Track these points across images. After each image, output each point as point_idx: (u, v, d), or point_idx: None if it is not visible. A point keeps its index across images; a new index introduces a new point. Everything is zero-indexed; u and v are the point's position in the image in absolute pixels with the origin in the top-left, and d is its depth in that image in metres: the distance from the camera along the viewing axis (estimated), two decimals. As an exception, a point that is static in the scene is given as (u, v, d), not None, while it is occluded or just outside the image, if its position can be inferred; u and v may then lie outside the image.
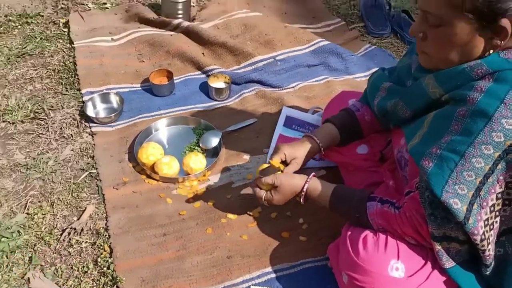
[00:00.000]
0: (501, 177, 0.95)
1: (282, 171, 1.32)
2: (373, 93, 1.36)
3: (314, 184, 1.27)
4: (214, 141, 1.69)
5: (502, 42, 0.96)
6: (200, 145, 1.70)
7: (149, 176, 1.60)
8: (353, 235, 1.16)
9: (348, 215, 1.23)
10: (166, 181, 1.58)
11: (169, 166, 1.56)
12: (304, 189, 1.26)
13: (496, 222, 1.01)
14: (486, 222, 0.99)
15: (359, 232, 1.16)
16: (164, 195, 1.54)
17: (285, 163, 1.36)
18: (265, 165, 1.34)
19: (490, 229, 1.00)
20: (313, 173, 1.30)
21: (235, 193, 1.56)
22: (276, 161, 1.33)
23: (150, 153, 1.59)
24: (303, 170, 1.60)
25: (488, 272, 1.07)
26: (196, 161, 1.58)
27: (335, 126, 1.41)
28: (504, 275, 1.06)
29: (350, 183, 1.52)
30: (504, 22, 0.93)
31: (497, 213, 1.00)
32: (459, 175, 0.96)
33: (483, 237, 0.98)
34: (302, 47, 2.14)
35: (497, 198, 0.97)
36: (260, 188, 1.29)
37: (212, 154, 1.68)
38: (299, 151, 1.36)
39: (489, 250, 1.00)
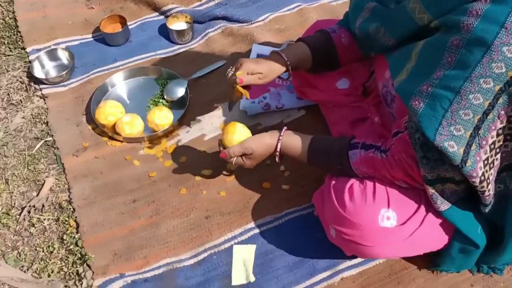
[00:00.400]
0: (503, 112, 0.82)
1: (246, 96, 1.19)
2: (356, 14, 1.17)
3: (288, 141, 1.12)
4: (180, 91, 1.52)
5: None
6: (165, 96, 1.53)
7: (111, 138, 1.44)
8: (337, 184, 1.04)
9: (329, 168, 1.10)
10: (131, 142, 1.43)
11: (131, 126, 1.40)
12: (278, 149, 1.12)
13: (497, 159, 0.89)
14: (485, 162, 0.86)
15: (344, 181, 1.04)
16: (130, 157, 1.40)
17: (246, 88, 1.20)
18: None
19: (490, 168, 0.88)
20: (285, 128, 1.14)
21: (208, 146, 1.42)
22: (237, 74, 1.16)
23: (108, 112, 1.42)
24: (280, 111, 1.48)
25: (487, 210, 0.96)
26: (161, 116, 1.42)
27: (307, 45, 1.23)
28: (505, 212, 0.97)
29: (332, 121, 1.39)
30: None
31: (498, 150, 0.88)
32: (454, 115, 0.82)
33: (482, 178, 0.86)
34: (269, -27, 1.90)
35: (497, 135, 0.85)
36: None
37: (179, 105, 1.52)
38: (265, 66, 1.18)
39: (489, 190, 0.89)
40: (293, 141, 1.12)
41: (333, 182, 1.06)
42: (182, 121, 1.48)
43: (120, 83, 1.58)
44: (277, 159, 1.14)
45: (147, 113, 1.45)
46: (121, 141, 1.43)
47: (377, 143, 1.04)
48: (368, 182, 1.01)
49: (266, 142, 1.13)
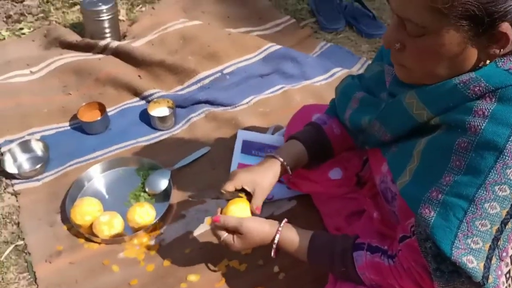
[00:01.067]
0: None
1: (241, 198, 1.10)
2: (344, 105, 1.14)
3: (287, 234, 1.04)
4: (163, 183, 1.43)
5: (501, 50, 0.75)
6: (146, 189, 1.43)
7: (88, 240, 1.32)
8: (342, 296, 0.94)
9: (332, 269, 1.01)
10: (110, 243, 1.31)
11: (109, 226, 1.29)
12: (275, 241, 1.03)
13: None
14: (507, 276, 0.79)
15: (350, 291, 0.94)
16: (109, 262, 1.27)
17: (244, 191, 1.12)
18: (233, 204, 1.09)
19: None
20: (285, 220, 1.06)
21: (194, 245, 1.31)
22: (228, 191, 1.09)
23: (85, 211, 1.31)
24: (270, 203, 1.40)
25: None
26: (143, 213, 1.32)
27: (300, 142, 1.18)
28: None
29: (326, 214, 1.31)
30: (504, 27, 0.72)
31: None
32: (470, 226, 0.75)
33: None
34: (251, 56, 1.89)
35: None
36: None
37: (162, 198, 1.43)
38: (260, 176, 1.11)
39: None
40: (293, 236, 1.03)
41: (337, 292, 0.96)
42: (166, 217, 1.38)
43: (97, 176, 1.49)
44: (272, 253, 1.04)
45: (127, 210, 1.34)
46: (99, 243, 1.32)
47: (383, 245, 0.96)
48: (377, 294, 0.91)
49: (265, 229, 1.03)
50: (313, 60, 1.89)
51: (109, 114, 1.69)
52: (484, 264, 0.76)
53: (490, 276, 0.77)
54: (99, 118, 1.62)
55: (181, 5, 2.19)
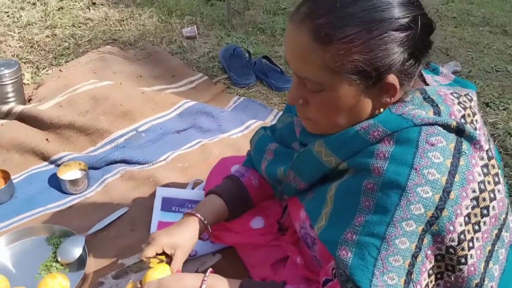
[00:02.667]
0: (429, 252, 0.81)
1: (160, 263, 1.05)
2: (259, 157, 1.17)
3: (214, 285, 1.00)
4: (77, 251, 1.33)
5: (391, 99, 0.84)
6: (59, 259, 1.32)
7: (-9, 322, 1.18)
8: None
9: None
10: (17, 323, 1.18)
11: (17, 304, 1.16)
12: None
13: None
14: None
15: None
16: None
17: (165, 255, 1.07)
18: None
19: None
20: (210, 269, 1.03)
21: (114, 314, 1.22)
22: (149, 257, 1.04)
23: (-13, 290, 1.18)
24: (194, 259, 1.35)
25: None
26: (55, 285, 1.21)
27: (220, 197, 1.18)
28: None
29: (251, 264, 1.29)
30: (391, 78, 0.80)
31: None
32: (384, 263, 0.78)
33: None
34: (166, 112, 1.90)
35: (429, 275, 0.83)
36: None
37: (77, 267, 1.32)
38: (180, 236, 1.08)
39: None
40: (220, 286, 0.99)
41: None
42: (82, 287, 1.27)
43: (2, 250, 1.35)
44: None
45: (37, 283, 1.22)
46: (5, 325, 1.18)
47: None
48: None
49: (187, 283, 0.98)
50: (228, 114, 1.94)
51: (14, 181, 1.58)
52: None
53: None
54: (3, 187, 1.50)
55: (90, 66, 2.17)
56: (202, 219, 1.12)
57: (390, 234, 0.78)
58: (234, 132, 1.87)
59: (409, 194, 0.77)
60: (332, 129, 0.89)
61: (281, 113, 1.89)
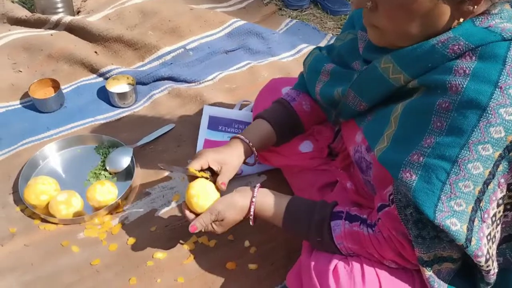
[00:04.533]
0: (502, 180, 0.75)
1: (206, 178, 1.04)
2: (313, 79, 1.10)
3: (262, 202, 0.99)
4: (125, 161, 1.35)
5: (475, 7, 0.74)
6: (107, 168, 1.35)
7: (44, 221, 1.23)
8: (319, 266, 0.90)
9: (308, 238, 0.97)
10: (68, 224, 1.22)
11: (67, 205, 1.20)
12: (251, 212, 0.99)
13: (498, 231, 0.80)
14: (488, 237, 0.77)
15: (326, 261, 0.90)
16: (68, 243, 1.19)
17: (211, 171, 1.07)
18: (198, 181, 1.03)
19: (493, 243, 0.79)
20: (258, 185, 1.02)
21: (160, 223, 1.24)
22: (194, 169, 1.03)
23: (40, 190, 1.22)
24: (239, 178, 1.35)
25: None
26: (104, 191, 1.23)
27: (268, 122, 1.14)
28: (506, 286, 0.87)
29: (297, 187, 1.27)
30: None
31: (498, 222, 0.79)
32: (453, 187, 0.73)
33: (487, 256, 0.77)
34: (215, 31, 1.83)
35: (498, 205, 0.77)
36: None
37: (124, 177, 1.35)
38: (227, 154, 1.07)
39: (494, 268, 0.80)
40: (268, 202, 0.99)
41: (313, 263, 0.92)
42: (129, 196, 1.30)
43: (53, 155, 1.39)
44: (251, 222, 1.00)
45: (86, 189, 1.25)
46: (56, 224, 1.22)
47: (362, 214, 0.92)
48: (355, 263, 0.88)
49: (238, 205, 0.99)
50: (279, 36, 1.85)
51: (63, 91, 1.59)
52: (467, 226, 0.74)
53: (472, 238, 0.74)
54: (52, 95, 1.51)
55: (139, -20, 2.09)
56: (248, 141, 1.09)
57: (463, 158, 0.72)
58: (284, 55, 1.80)
59: (490, 115, 0.70)
60: (401, 39, 0.81)
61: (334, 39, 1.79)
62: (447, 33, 0.76)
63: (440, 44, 0.76)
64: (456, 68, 0.73)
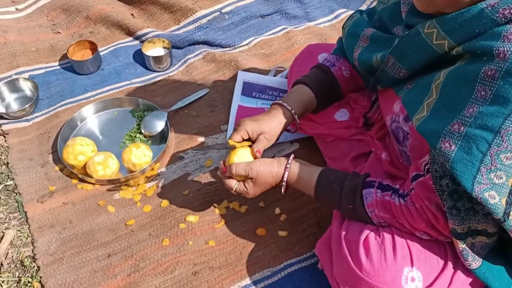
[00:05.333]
0: None
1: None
2: (352, 43, 1.06)
3: (295, 171, 0.99)
4: (159, 125, 1.37)
5: None
6: (142, 131, 1.37)
7: (81, 180, 1.27)
8: (349, 236, 0.90)
9: (339, 207, 0.96)
10: (104, 184, 1.26)
11: (104, 166, 1.23)
12: (285, 178, 0.98)
13: None
14: None
15: (357, 231, 0.90)
16: (104, 202, 1.22)
17: (250, 141, 1.06)
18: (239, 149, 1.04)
19: None
20: (292, 156, 1.01)
21: (193, 187, 1.26)
22: (235, 142, 1.03)
23: (78, 151, 1.25)
24: (273, 145, 1.33)
25: None
26: (139, 154, 1.26)
27: (309, 87, 1.11)
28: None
29: (330, 157, 1.26)
30: None
31: None
32: (494, 159, 0.69)
33: None
34: (251, -6, 1.79)
35: None
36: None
37: (159, 140, 1.37)
38: (266, 123, 1.05)
39: None
40: (301, 172, 0.99)
41: (344, 233, 0.91)
42: (163, 159, 1.32)
43: (91, 117, 1.42)
44: (283, 190, 1.00)
45: (122, 151, 1.28)
46: (93, 184, 1.26)
47: (394, 184, 0.91)
48: (386, 234, 0.87)
49: (273, 169, 0.99)
50: (317, 0, 1.79)
51: (100, 53, 1.60)
52: (507, 200, 0.71)
53: (511, 213, 0.72)
54: (90, 57, 1.53)
55: None
56: (290, 108, 1.07)
57: (507, 129, 0.68)
58: (321, 20, 1.74)
59: None
60: (449, 5, 0.76)
61: (375, 3, 1.71)
62: None
63: (489, 8, 0.71)
64: (505, 33, 0.69)
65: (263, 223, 1.18)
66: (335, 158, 1.24)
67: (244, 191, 1.00)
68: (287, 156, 1.01)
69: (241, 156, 1.01)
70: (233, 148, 1.03)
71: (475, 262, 0.81)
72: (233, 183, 1.00)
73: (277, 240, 1.15)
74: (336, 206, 0.97)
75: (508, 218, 0.71)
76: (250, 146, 1.04)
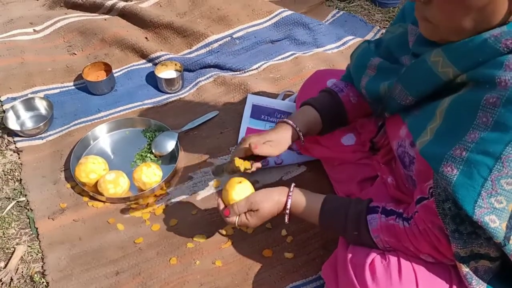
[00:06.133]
0: None
1: (247, 170, 1.05)
2: (359, 72, 1.09)
3: (298, 199, 1.01)
4: (170, 145, 1.40)
5: None
6: (153, 151, 1.40)
7: (92, 198, 1.29)
8: (356, 259, 0.91)
9: (344, 233, 0.97)
10: (115, 202, 1.28)
11: (115, 184, 1.26)
12: (288, 207, 1.00)
13: None
14: None
15: (363, 255, 0.91)
16: (114, 220, 1.25)
17: (252, 159, 1.08)
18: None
19: None
20: (293, 184, 1.03)
21: (201, 207, 1.28)
22: (239, 160, 1.05)
23: (90, 169, 1.28)
24: (279, 168, 1.36)
25: None
26: (149, 173, 1.28)
27: (315, 109, 1.13)
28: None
29: (337, 180, 1.27)
30: None
31: None
32: (495, 184, 0.71)
33: None
34: (262, 20, 1.84)
35: None
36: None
37: (169, 160, 1.39)
38: (270, 136, 1.07)
39: None
40: (304, 200, 1.00)
41: (350, 256, 0.93)
42: (172, 179, 1.35)
43: (103, 136, 1.45)
44: (286, 219, 1.01)
45: (133, 170, 1.31)
46: (104, 202, 1.29)
47: (398, 209, 0.92)
48: (391, 257, 0.88)
49: (275, 198, 1.00)
50: (325, 27, 1.84)
51: (114, 75, 1.65)
52: (507, 225, 0.73)
53: (511, 237, 0.73)
54: (104, 78, 1.57)
55: (190, -32, 2.13)
56: (295, 126, 1.09)
57: (508, 155, 0.70)
58: (329, 47, 1.79)
59: None
60: (454, 34, 0.79)
61: (383, 31, 1.76)
62: (501, 28, 0.74)
63: (492, 38, 0.74)
64: (507, 63, 0.71)
65: (270, 244, 1.20)
66: (342, 181, 1.25)
67: (246, 222, 1.02)
68: (288, 185, 1.03)
69: (240, 193, 1.02)
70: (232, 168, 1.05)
71: (479, 286, 0.82)
72: (235, 219, 1.02)
73: (283, 261, 1.16)
74: (341, 233, 0.98)
75: (508, 243, 0.73)
76: (250, 168, 1.06)
